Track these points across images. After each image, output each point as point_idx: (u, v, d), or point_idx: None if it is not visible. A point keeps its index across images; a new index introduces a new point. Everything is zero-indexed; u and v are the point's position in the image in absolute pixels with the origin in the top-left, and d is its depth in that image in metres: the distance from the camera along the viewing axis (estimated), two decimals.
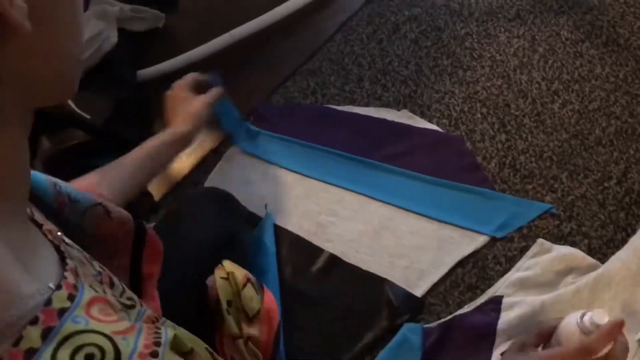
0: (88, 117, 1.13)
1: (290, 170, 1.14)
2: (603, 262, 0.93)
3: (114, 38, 1.24)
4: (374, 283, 0.99)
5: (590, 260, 0.93)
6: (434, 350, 0.91)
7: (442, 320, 0.93)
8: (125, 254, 0.64)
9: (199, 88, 1.02)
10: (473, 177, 1.07)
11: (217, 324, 0.81)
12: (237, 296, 0.82)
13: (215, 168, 1.16)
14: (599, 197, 1.01)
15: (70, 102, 1.14)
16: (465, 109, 1.15)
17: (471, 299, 0.95)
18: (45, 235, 0.45)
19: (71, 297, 0.39)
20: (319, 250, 1.04)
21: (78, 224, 0.58)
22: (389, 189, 1.09)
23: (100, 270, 0.49)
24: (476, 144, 1.10)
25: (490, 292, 0.94)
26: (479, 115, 1.14)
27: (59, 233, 0.48)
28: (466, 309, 0.94)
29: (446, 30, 1.27)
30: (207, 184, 1.14)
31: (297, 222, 1.08)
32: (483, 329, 0.90)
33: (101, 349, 0.37)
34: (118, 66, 1.24)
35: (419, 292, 0.97)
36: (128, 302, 0.47)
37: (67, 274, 0.41)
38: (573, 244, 0.97)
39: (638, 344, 0.84)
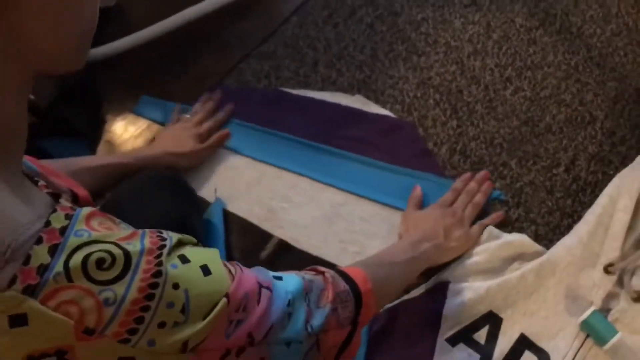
0: (32, 97, 1.09)
1: (243, 154, 1.13)
2: (549, 249, 0.94)
3: None
4: None
5: (536, 246, 0.94)
6: (380, 334, 0.91)
7: (389, 305, 0.93)
8: None
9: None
10: (424, 163, 1.07)
11: None
12: None
13: None
14: (547, 184, 1.02)
15: None
16: (419, 94, 1.15)
17: (418, 284, 0.95)
18: (40, 188, 0.50)
19: (68, 216, 0.43)
20: (268, 236, 1.03)
21: None
22: (342, 175, 1.08)
23: None
24: (428, 130, 1.10)
25: (437, 278, 0.94)
26: (431, 101, 1.13)
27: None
28: (413, 294, 0.94)
29: (402, 14, 1.26)
30: None
31: (247, 208, 1.07)
32: (429, 314, 0.91)
33: (110, 254, 0.42)
34: None
35: None
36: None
37: (61, 200, 0.45)
38: (520, 230, 0.97)
39: (581, 326, 0.86)
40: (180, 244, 0.48)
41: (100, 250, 0.41)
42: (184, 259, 0.46)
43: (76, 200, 0.67)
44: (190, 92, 1.18)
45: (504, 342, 0.87)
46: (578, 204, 0.99)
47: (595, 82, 1.12)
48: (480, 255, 0.95)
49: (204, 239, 1.02)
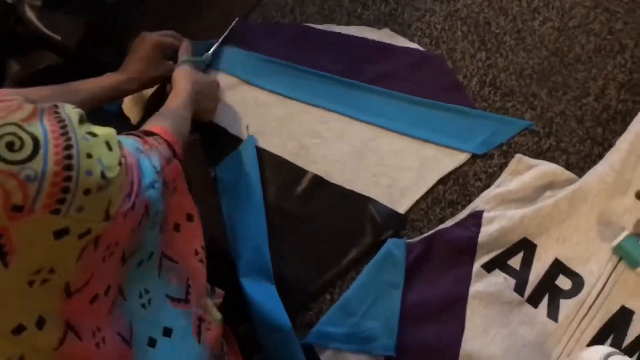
0: (58, 38, 1.08)
1: (272, 91, 1.13)
2: (581, 177, 0.95)
3: None
4: (358, 201, 1.01)
5: (568, 174, 0.96)
6: (416, 264, 0.94)
7: (424, 235, 0.96)
8: None
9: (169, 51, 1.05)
10: (454, 95, 1.07)
11: None
12: None
13: None
14: (577, 114, 1.02)
15: (37, 22, 1.09)
16: (446, 27, 1.14)
17: (452, 215, 0.97)
18: None
19: None
20: (302, 171, 1.05)
21: None
22: (372, 110, 1.09)
23: None
24: (457, 63, 1.10)
25: (470, 208, 0.97)
26: (459, 33, 1.13)
27: None
28: (447, 224, 0.96)
29: None
30: None
31: (280, 144, 1.08)
32: (464, 243, 0.93)
33: (17, 136, 0.45)
34: None
35: (401, 209, 0.99)
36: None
37: None
38: (552, 160, 0.99)
39: (613, 251, 0.88)
40: (82, 120, 0.53)
41: (6, 134, 0.44)
42: (93, 134, 0.52)
43: None
44: (215, 30, 1.17)
45: (539, 267, 0.90)
46: (609, 132, 1.00)
47: (624, 10, 1.11)
48: (512, 184, 0.97)
49: (237, 176, 1.04)
